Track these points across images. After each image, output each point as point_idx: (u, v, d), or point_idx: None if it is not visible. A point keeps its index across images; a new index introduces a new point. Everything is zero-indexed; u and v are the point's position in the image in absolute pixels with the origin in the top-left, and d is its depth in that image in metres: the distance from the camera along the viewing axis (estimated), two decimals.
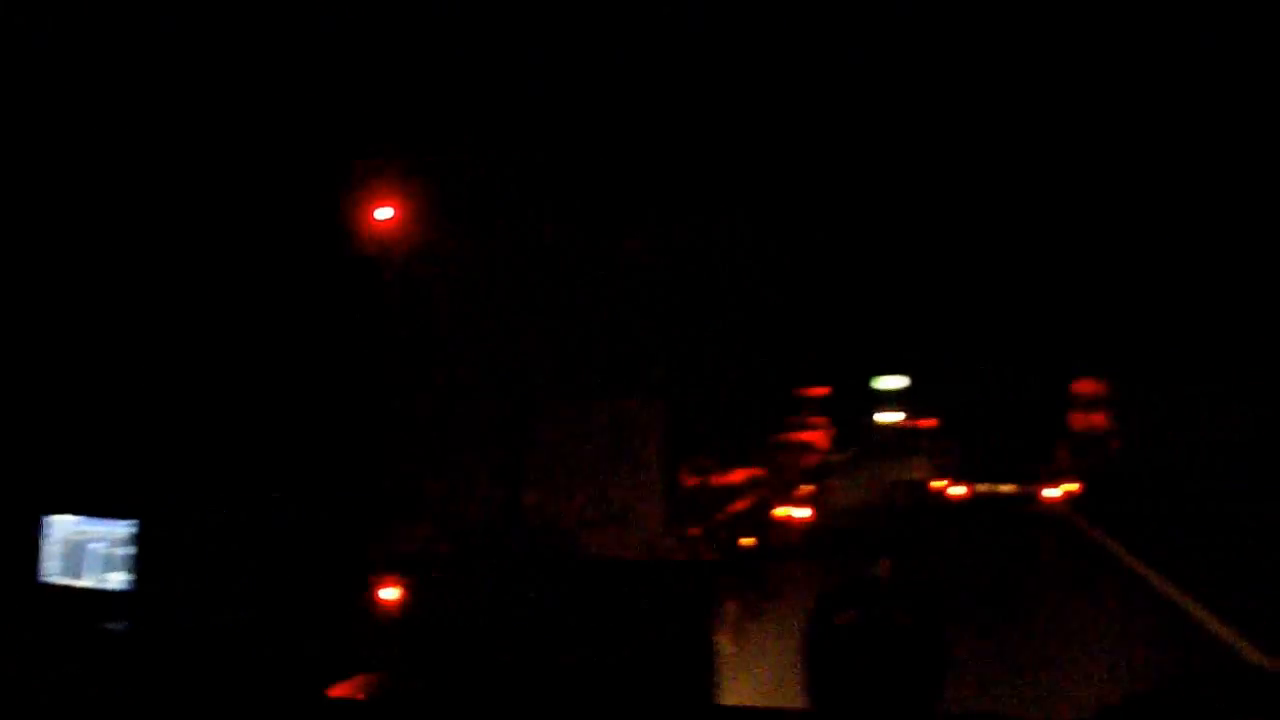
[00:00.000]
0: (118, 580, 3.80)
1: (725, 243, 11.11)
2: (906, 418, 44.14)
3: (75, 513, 4.43)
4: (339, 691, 3.21)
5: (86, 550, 4.00)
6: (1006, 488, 21.94)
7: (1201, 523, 19.55)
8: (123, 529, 3.29)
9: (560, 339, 9.18)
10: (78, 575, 4.18)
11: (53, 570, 4.39)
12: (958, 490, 22.34)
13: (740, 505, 12.06)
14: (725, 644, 9.44)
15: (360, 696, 3.24)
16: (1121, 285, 26.77)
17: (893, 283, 35.02)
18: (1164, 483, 23.31)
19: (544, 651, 8.53)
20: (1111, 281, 26.85)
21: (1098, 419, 25.81)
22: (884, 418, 42.90)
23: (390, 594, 9.03)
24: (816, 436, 22.24)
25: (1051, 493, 21.55)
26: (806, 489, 16.84)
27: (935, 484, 22.87)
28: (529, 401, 9.16)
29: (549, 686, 7.20)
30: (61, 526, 4.29)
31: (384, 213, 9.24)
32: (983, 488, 22.17)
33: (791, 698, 2.30)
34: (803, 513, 15.55)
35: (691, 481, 9.84)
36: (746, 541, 12.10)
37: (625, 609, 8.70)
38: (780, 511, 14.46)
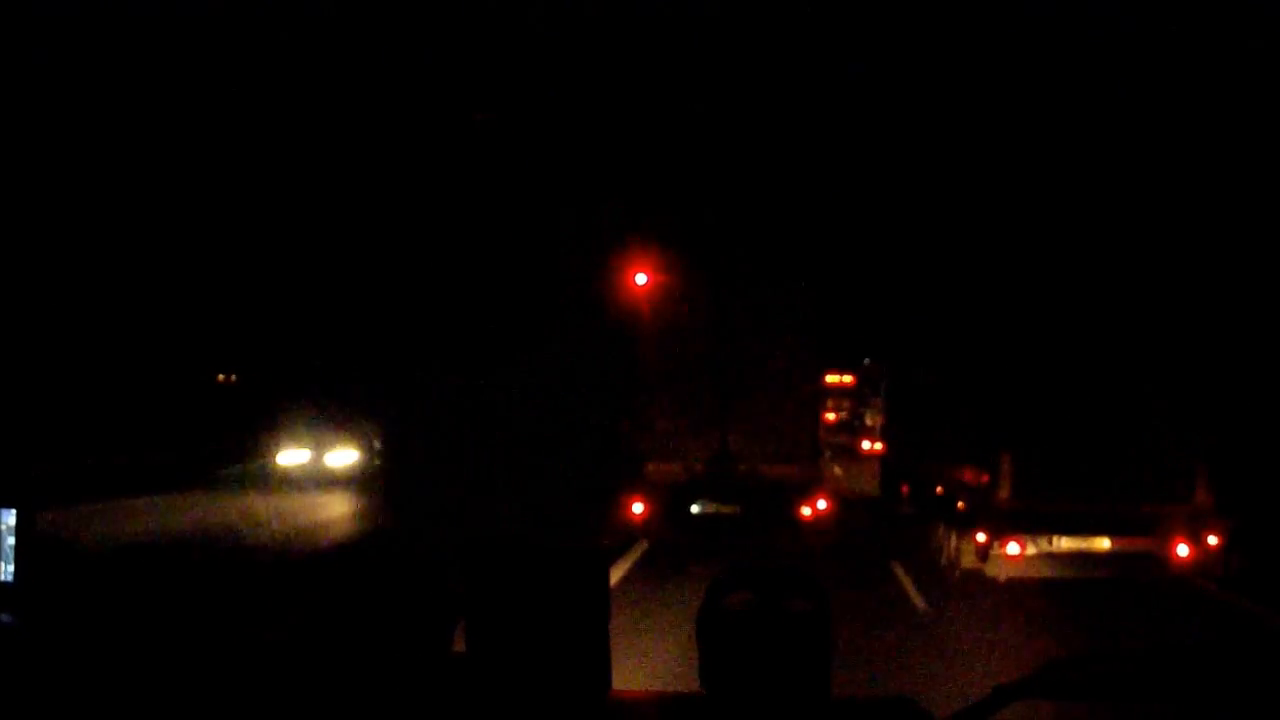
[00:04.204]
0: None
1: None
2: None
3: None
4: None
5: None
6: (1100, 543, 13.21)
7: None
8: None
9: (750, 354, 15.55)
10: None
11: None
12: (1014, 549, 13.04)
13: None
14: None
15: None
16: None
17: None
18: None
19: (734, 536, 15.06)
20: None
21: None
22: None
23: (638, 508, 15.56)
24: None
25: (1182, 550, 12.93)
26: None
27: (979, 538, 13.24)
28: (732, 387, 15.56)
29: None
30: None
31: (641, 278, 15.61)
32: (1065, 544, 13.24)
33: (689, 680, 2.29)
34: None
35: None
36: None
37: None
38: None
